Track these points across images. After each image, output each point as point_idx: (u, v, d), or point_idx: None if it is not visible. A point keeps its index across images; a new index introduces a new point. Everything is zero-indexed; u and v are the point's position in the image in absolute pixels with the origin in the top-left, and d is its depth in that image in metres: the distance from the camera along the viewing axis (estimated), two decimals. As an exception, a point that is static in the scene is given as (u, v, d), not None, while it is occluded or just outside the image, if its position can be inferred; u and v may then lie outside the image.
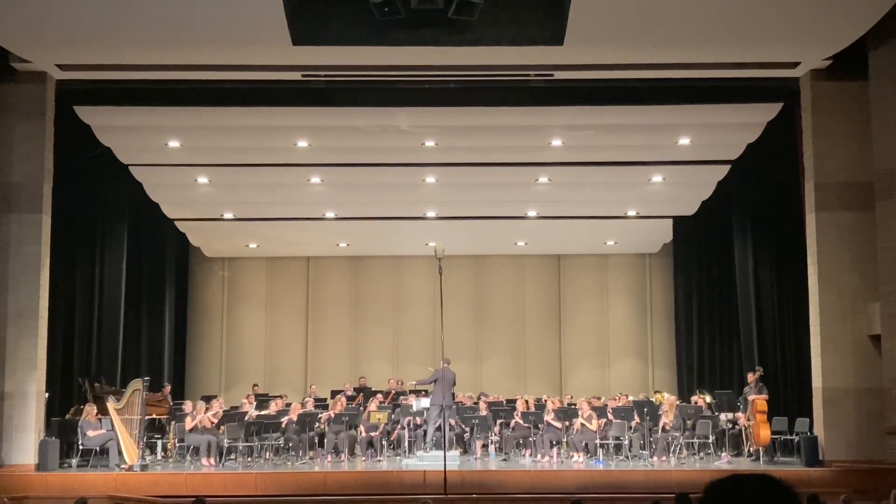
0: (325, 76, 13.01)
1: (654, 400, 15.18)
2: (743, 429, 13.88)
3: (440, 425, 13.42)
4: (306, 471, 12.81)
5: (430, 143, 14.76)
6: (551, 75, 12.92)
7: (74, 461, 13.04)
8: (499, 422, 14.66)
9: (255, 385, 18.08)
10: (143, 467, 12.64)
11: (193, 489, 11.69)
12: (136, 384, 13.21)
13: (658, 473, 12.46)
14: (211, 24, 11.10)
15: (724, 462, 13.42)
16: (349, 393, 16.46)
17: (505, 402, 15.55)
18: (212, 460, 13.06)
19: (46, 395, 13.15)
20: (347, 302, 20.67)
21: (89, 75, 13.02)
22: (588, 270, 20.68)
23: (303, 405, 14.79)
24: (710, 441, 13.87)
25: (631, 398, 15.47)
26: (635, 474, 12.43)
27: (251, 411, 14.34)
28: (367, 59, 12.07)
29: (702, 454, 13.90)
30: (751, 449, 13.68)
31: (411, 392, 16.59)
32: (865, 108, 12.71)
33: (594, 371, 20.30)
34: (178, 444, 13.93)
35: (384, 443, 14.35)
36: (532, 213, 17.89)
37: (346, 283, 20.75)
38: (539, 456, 13.64)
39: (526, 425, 14.13)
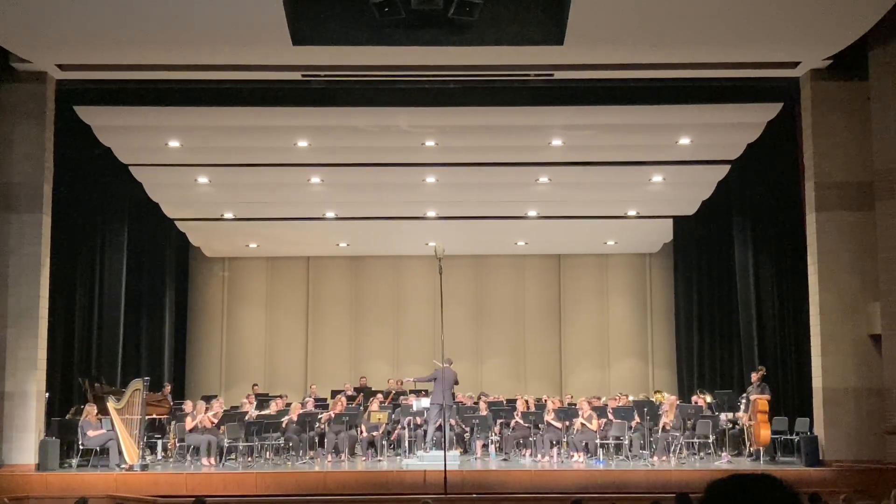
0: (325, 76, 13.00)
1: (654, 400, 15.19)
2: (744, 428, 13.88)
3: (440, 425, 13.42)
4: (306, 471, 12.80)
5: (430, 143, 14.75)
6: (551, 75, 12.92)
7: (74, 461, 13.03)
8: (499, 422, 14.66)
9: (255, 385, 18.05)
10: (144, 467, 12.65)
11: (193, 489, 11.70)
12: (137, 384, 13.22)
13: (658, 473, 12.46)
14: (211, 24, 11.10)
15: (725, 462, 13.42)
16: (349, 393, 16.45)
17: (505, 402, 15.53)
18: (212, 460, 13.06)
19: (46, 395, 13.15)
20: (347, 302, 20.66)
21: (89, 75, 13.02)
22: (588, 270, 20.68)
23: (303, 405, 14.79)
24: (711, 441, 13.86)
25: (631, 398, 15.48)
26: (635, 474, 12.43)
27: (251, 411, 14.34)
28: (367, 59, 12.06)
29: (702, 454, 13.90)
30: (751, 449, 13.69)
31: (411, 392, 16.60)
32: (865, 108, 12.71)
33: (594, 371, 20.30)
34: (178, 444, 13.92)
35: (384, 443, 14.35)
36: (532, 213, 17.88)
37: (347, 283, 20.75)
38: (539, 456, 13.64)
39: (526, 425, 14.14)
